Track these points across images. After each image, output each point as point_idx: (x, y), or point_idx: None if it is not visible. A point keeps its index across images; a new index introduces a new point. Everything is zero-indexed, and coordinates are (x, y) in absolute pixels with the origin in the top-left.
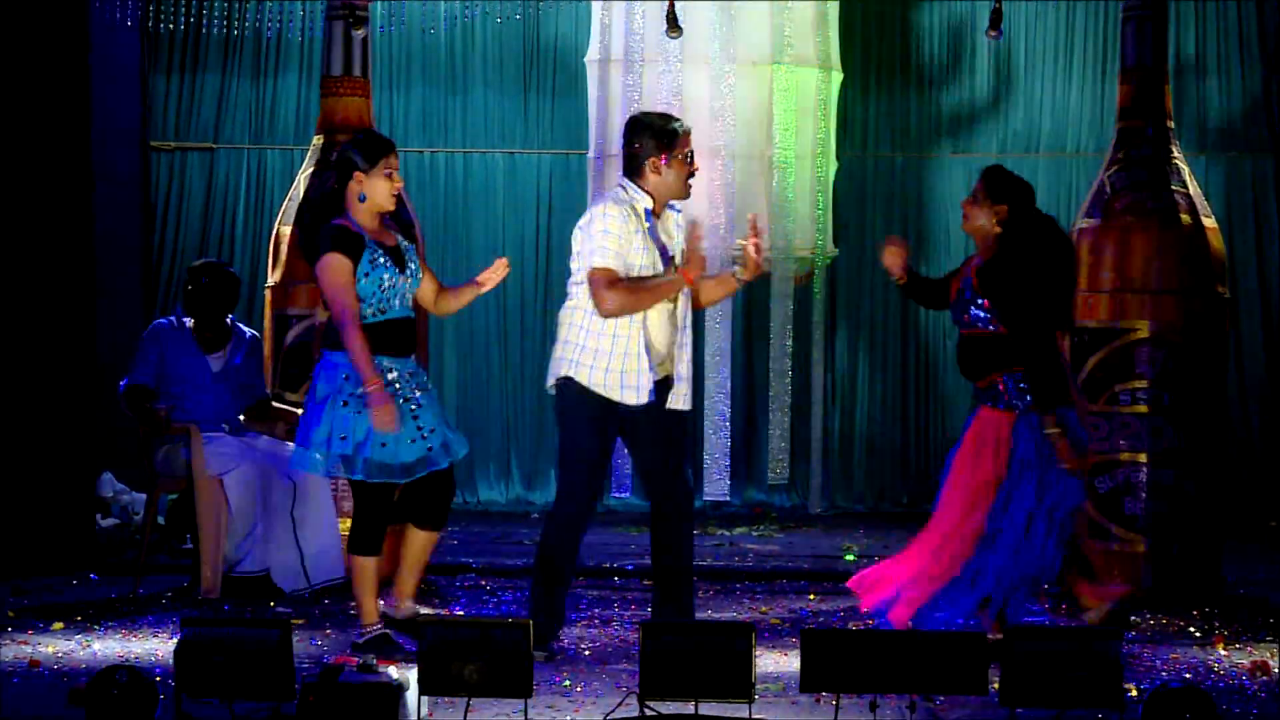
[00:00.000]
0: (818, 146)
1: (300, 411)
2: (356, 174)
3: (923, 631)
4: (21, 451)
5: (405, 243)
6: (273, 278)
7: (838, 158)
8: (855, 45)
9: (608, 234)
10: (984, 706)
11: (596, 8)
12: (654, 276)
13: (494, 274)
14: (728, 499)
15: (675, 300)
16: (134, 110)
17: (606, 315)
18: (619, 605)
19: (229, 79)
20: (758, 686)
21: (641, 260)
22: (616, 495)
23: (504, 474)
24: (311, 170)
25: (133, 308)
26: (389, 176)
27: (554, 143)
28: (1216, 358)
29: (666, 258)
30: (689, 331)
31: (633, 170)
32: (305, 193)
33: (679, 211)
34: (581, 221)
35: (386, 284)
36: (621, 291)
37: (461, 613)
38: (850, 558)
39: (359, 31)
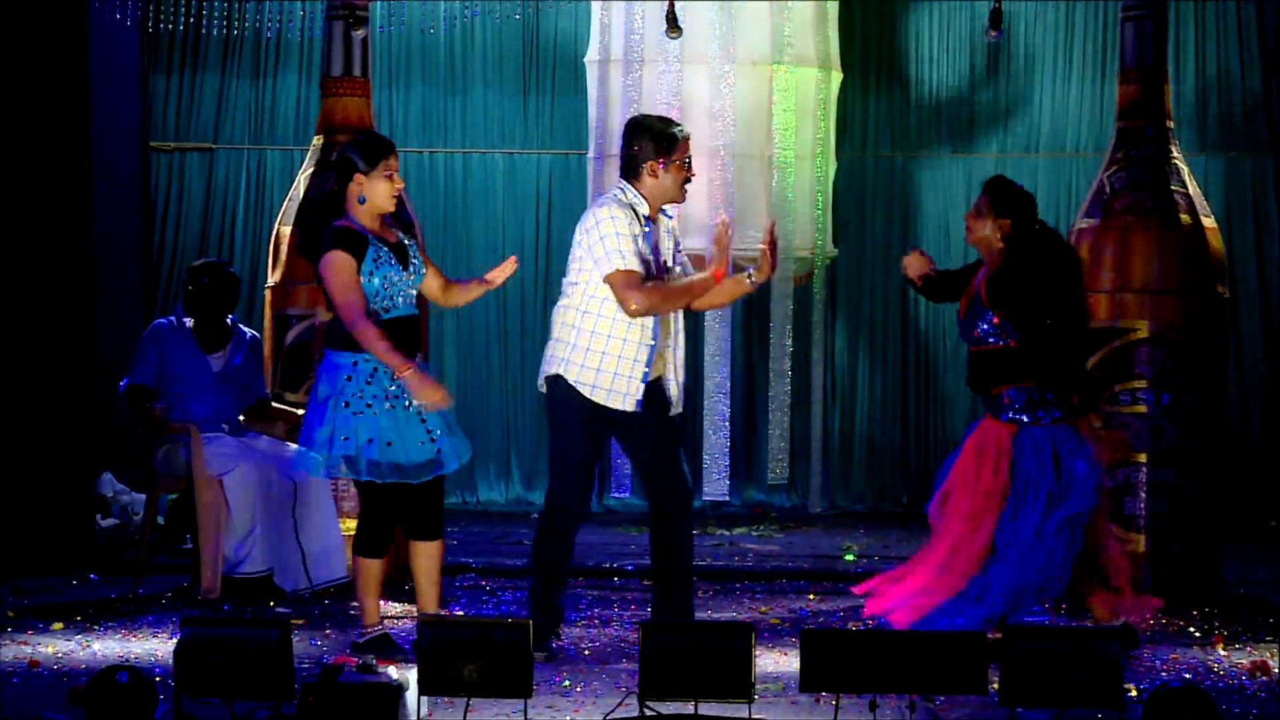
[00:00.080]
0: (817, 146)
1: (300, 411)
2: (357, 175)
3: (923, 631)
4: (21, 451)
5: (407, 239)
6: (273, 278)
7: (837, 157)
8: (855, 45)
9: (620, 236)
10: (984, 706)
11: (596, 8)
12: (682, 277)
13: (503, 271)
14: (727, 499)
15: None
16: (134, 110)
17: (634, 315)
18: (619, 605)
19: (229, 79)
20: (757, 686)
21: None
22: (616, 495)
23: (504, 474)
24: (311, 170)
25: (133, 308)
26: (389, 178)
27: (554, 143)
28: (1216, 357)
29: (659, 262)
30: (682, 334)
31: (630, 172)
32: (305, 193)
33: (671, 216)
34: (586, 224)
35: (390, 282)
36: (647, 292)
37: (461, 613)
38: (850, 557)
39: (359, 31)
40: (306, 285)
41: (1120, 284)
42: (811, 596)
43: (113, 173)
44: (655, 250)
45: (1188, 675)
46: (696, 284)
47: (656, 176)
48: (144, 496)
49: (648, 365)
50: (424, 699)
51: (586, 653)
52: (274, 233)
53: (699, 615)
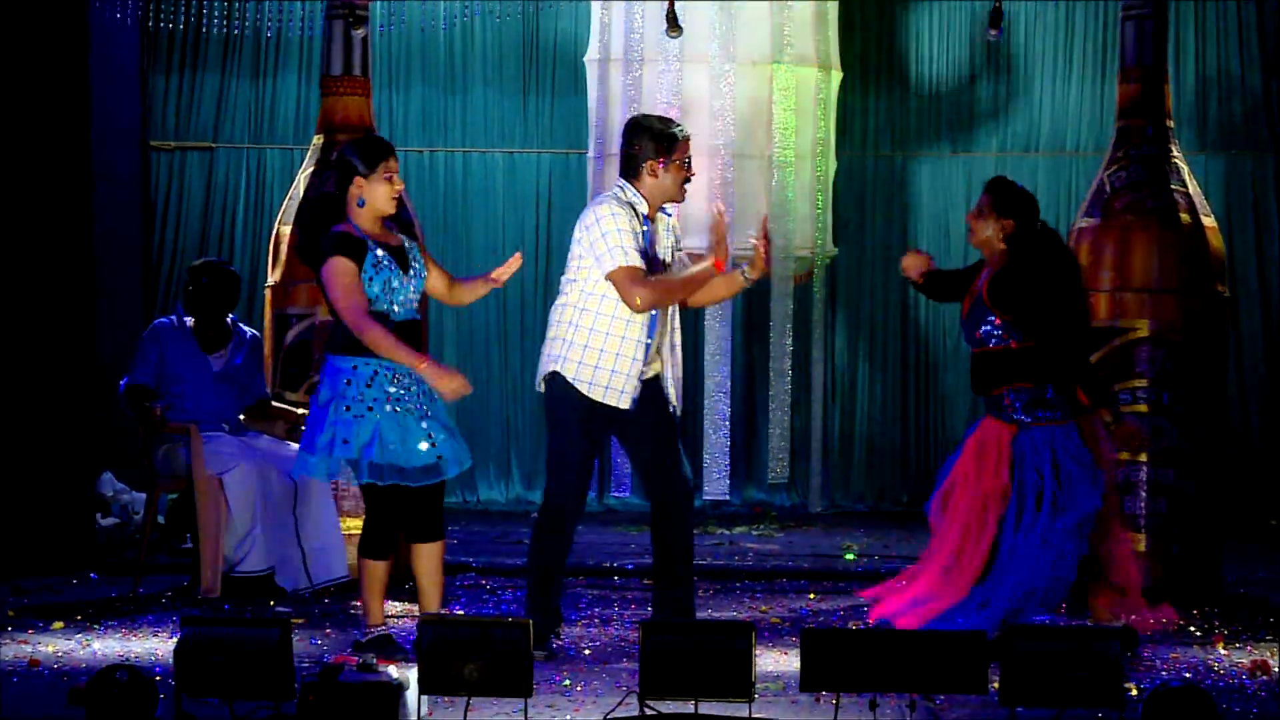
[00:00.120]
0: (817, 146)
1: (300, 411)
2: (356, 179)
3: (923, 631)
4: (21, 451)
5: (408, 242)
6: (273, 277)
7: (837, 157)
8: (855, 45)
9: (621, 232)
10: (984, 706)
11: (596, 7)
12: (683, 269)
13: (508, 269)
14: (727, 498)
15: None
16: (134, 110)
17: (639, 311)
18: (619, 605)
19: (228, 78)
20: (758, 686)
21: None
22: (616, 495)
23: (504, 474)
24: (311, 170)
25: (133, 308)
26: (389, 180)
27: (554, 142)
28: (1216, 357)
29: (657, 260)
30: (679, 332)
31: (630, 172)
32: (305, 192)
33: (670, 215)
34: (585, 221)
35: (390, 287)
36: (651, 287)
37: (461, 612)
38: (850, 557)
39: (359, 31)
40: (306, 285)
41: (1120, 283)
42: (811, 596)
43: (113, 172)
44: (653, 248)
45: (1188, 675)
46: (698, 275)
47: (656, 176)
48: (144, 496)
49: (645, 363)
50: (424, 698)
51: (587, 652)
52: (274, 232)
53: (699, 615)
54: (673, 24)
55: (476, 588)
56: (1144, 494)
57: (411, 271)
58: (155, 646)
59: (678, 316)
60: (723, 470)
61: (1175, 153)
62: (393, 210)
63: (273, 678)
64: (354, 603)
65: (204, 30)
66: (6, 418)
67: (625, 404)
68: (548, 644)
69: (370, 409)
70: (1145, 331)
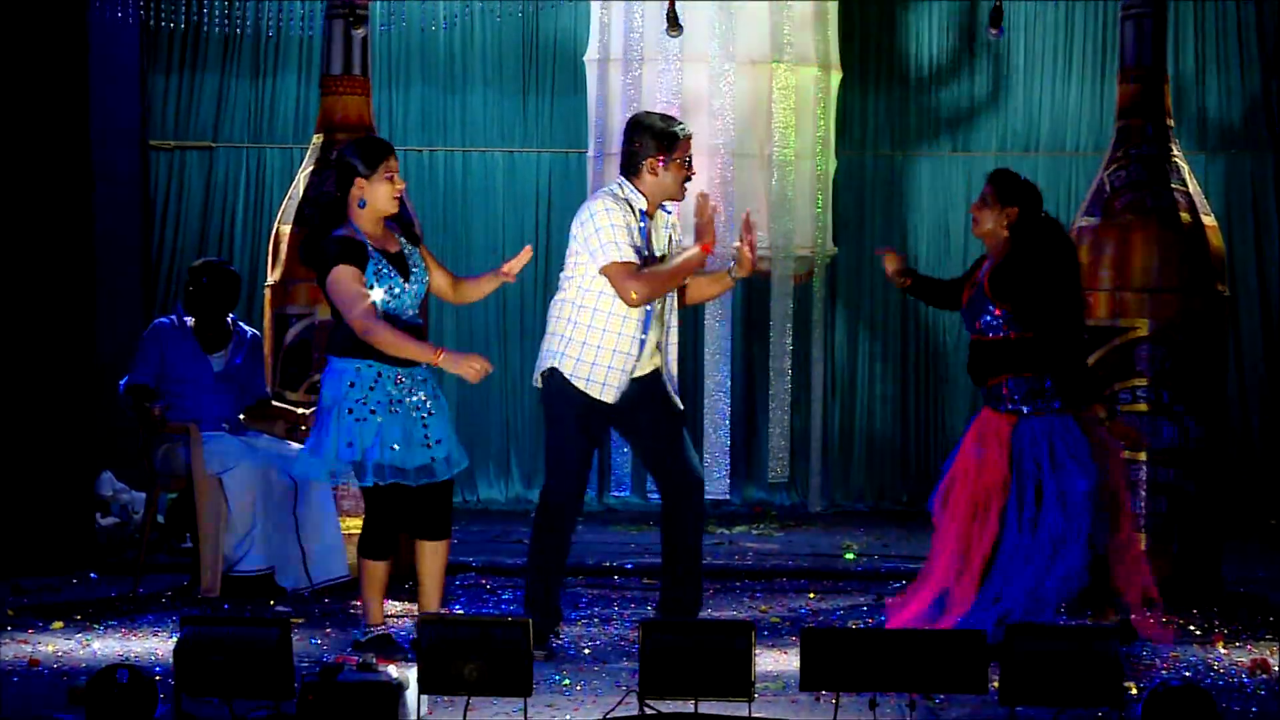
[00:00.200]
0: (817, 145)
1: (300, 410)
2: (357, 180)
3: (922, 630)
4: (21, 451)
5: (409, 247)
6: (272, 277)
7: (837, 156)
8: (855, 44)
9: (615, 228)
10: (983, 705)
11: (596, 6)
12: (670, 257)
13: (519, 262)
14: (727, 497)
15: (662, 300)
16: (133, 110)
17: (634, 305)
18: (619, 604)
19: (228, 78)
20: (757, 685)
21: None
22: (616, 494)
23: (504, 473)
24: (311, 169)
25: (133, 308)
26: (390, 180)
27: (553, 142)
28: (1216, 356)
29: (655, 258)
30: (675, 330)
31: (630, 169)
32: (305, 192)
33: (670, 212)
34: (580, 216)
35: (392, 294)
36: (644, 279)
37: (461, 611)
38: (850, 556)
39: (359, 30)
40: (306, 284)
41: (1120, 282)
42: (811, 595)
43: (113, 172)
44: (650, 246)
45: (1188, 674)
46: (689, 261)
47: (656, 174)
48: (144, 496)
49: (639, 359)
50: (424, 698)
51: (586, 651)
52: (274, 232)
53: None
54: (673, 23)
55: (476, 587)
56: (1144, 493)
57: (412, 277)
58: (155, 646)
59: (676, 315)
60: (723, 470)
61: (1175, 152)
62: (395, 210)
63: (272, 677)
64: (354, 603)
65: (204, 30)
66: (6, 418)
67: (610, 398)
68: (547, 643)
69: (373, 411)
70: (1145, 330)
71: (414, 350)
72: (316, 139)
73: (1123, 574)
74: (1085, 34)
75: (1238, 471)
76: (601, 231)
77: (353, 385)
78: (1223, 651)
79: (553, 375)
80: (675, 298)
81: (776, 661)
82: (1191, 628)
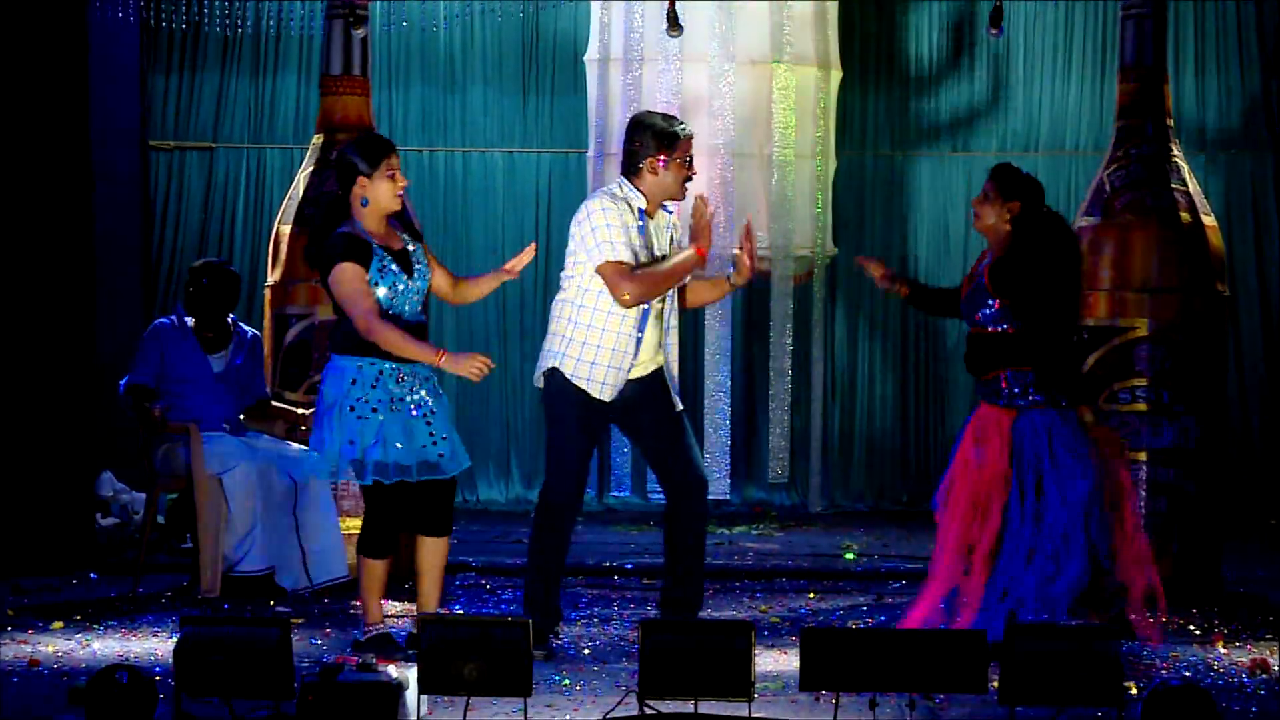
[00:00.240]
0: (817, 145)
1: (300, 411)
2: (359, 179)
3: (922, 630)
4: (21, 451)
5: (411, 244)
6: (272, 277)
7: (837, 156)
8: (855, 44)
9: (610, 227)
10: (983, 705)
11: (596, 6)
12: (665, 258)
13: (522, 259)
14: (727, 497)
15: (663, 300)
16: (133, 110)
17: (627, 306)
18: (618, 604)
19: (228, 78)
20: (757, 685)
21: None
22: (616, 494)
23: (504, 473)
24: (311, 169)
25: (133, 308)
26: (392, 177)
27: (553, 141)
28: (1216, 356)
29: (654, 258)
30: (675, 331)
31: (630, 168)
32: (305, 192)
33: (671, 212)
34: (578, 216)
35: (396, 291)
36: (638, 280)
37: (461, 611)
38: (850, 556)
39: (359, 30)
40: (306, 284)
41: (1120, 282)
42: (811, 595)
43: (113, 172)
44: (649, 246)
45: (1188, 673)
46: (683, 263)
47: (656, 174)
48: (144, 496)
49: (635, 357)
50: (424, 698)
51: (586, 651)
52: (274, 232)
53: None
54: (673, 23)
55: (476, 587)
56: (1144, 493)
57: (416, 274)
58: (155, 646)
59: (676, 315)
60: (723, 470)
61: (1175, 152)
62: (398, 207)
63: (272, 677)
64: (354, 603)
65: (204, 30)
66: (6, 418)
67: (607, 396)
68: (547, 643)
69: (375, 410)
70: (1145, 330)
71: (415, 351)
72: (316, 139)
73: (1126, 571)
74: (1085, 34)
75: (1238, 471)
76: (597, 231)
77: (355, 383)
78: (1223, 651)
79: (553, 375)
80: (676, 298)
81: (776, 661)
82: (1191, 628)
